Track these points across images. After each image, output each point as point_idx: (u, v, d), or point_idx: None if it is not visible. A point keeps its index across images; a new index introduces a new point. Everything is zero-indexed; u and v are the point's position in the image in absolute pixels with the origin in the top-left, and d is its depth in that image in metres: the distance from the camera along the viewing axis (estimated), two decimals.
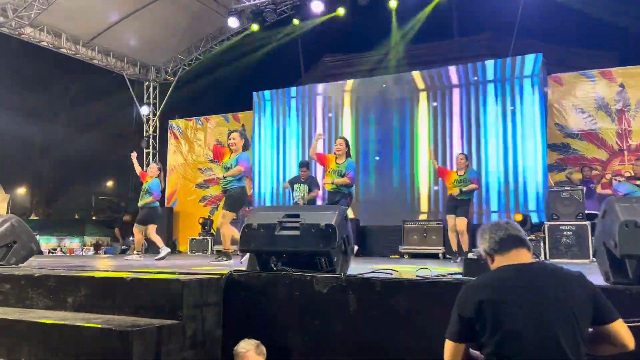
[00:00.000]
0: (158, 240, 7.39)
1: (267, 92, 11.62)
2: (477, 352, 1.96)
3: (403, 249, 8.89)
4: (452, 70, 9.68)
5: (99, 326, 2.95)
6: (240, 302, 3.50)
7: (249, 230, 3.51)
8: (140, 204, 7.54)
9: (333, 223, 3.34)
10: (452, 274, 3.08)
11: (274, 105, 11.51)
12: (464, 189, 7.21)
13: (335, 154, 6.57)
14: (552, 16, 9.55)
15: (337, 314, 3.20)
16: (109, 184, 30.80)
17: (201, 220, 11.38)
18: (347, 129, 10.57)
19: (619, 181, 7.78)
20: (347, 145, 6.59)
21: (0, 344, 3.23)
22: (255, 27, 11.61)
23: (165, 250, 7.25)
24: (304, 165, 8.70)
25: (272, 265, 3.44)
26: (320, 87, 11.00)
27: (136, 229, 7.48)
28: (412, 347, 2.98)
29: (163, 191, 13.71)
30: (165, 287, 3.26)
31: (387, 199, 9.73)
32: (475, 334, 1.89)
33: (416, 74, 9.98)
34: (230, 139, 5.99)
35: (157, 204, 7.66)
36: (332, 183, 6.45)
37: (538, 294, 1.82)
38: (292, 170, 10.72)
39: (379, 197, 9.81)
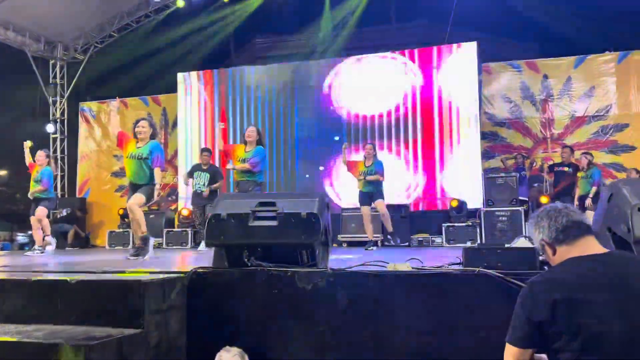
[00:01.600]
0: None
1: (193, 74, 10.90)
2: (543, 356, 1.72)
3: (341, 237, 8.72)
4: (386, 56, 9.60)
5: (44, 341, 2.41)
6: (207, 304, 3.07)
7: (218, 221, 3.07)
8: (31, 195, 7.13)
9: (315, 211, 3.00)
10: (451, 264, 2.86)
11: (202, 87, 10.83)
12: (368, 177, 7.14)
13: (246, 141, 6.38)
14: (482, 6, 9.74)
15: (325, 313, 2.88)
16: (1, 173, 28.07)
17: (121, 212, 10.48)
18: (280, 114, 10.18)
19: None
20: (259, 133, 6.37)
21: None
22: (180, 2, 10.79)
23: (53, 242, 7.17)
24: (206, 150, 8.45)
25: (246, 260, 3.03)
26: (252, 69, 10.48)
27: (35, 222, 6.98)
28: (412, 344, 2.73)
29: (69, 180, 12.61)
30: (121, 289, 2.75)
31: (323, 189, 9.50)
32: (546, 338, 1.63)
33: (351, 60, 9.80)
34: (139, 127, 5.61)
35: (53, 194, 7.43)
36: (234, 168, 6.36)
37: (624, 290, 1.59)
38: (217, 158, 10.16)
39: (315, 187, 9.55)
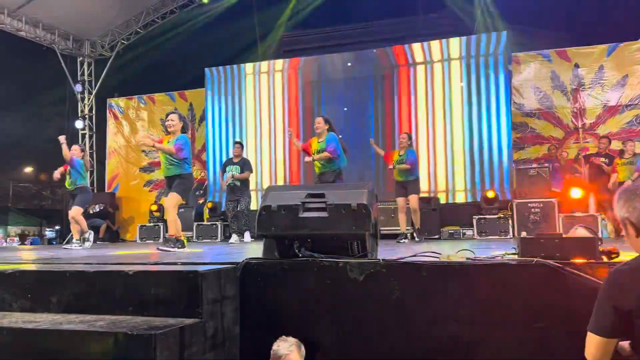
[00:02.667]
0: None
1: (220, 69, 10.96)
2: (625, 344, 1.70)
3: None
4: (417, 47, 9.52)
5: (108, 330, 2.46)
6: (258, 294, 3.10)
7: (268, 213, 3.09)
8: (72, 187, 7.24)
9: (365, 202, 3.01)
10: (508, 254, 2.85)
11: (228, 82, 10.89)
12: (398, 166, 7.15)
13: (317, 133, 6.42)
14: None
15: (377, 304, 2.89)
16: (28, 170, 28.59)
17: (155, 207, 10.65)
18: (305, 108, 10.19)
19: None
20: (327, 122, 6.36)
21: None
22: None
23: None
24: (238, 142, 8.56)
25: (297, 251, 3.05)
26: (278, 64, 10.50)
27: (78, 214, 7.09)
28: (466, 336, 2.73)
29: (98, 176, 12.80)
30: (178, 280, 2.79)
31: (351, 181, 9.49)
32: (634, 327, 1.60)
33: (380, 52, 9.74)
34: (168, 120, 5.64)
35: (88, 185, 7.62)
36: (315, 161, 6.29)
37: None
38: (250, 152, 10.23)
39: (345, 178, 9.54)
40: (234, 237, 8.18)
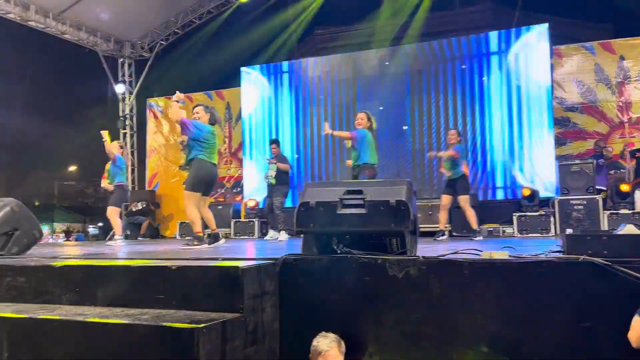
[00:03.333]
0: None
1: (256, 67, 11.07)
2: None
3: None
4: (454, 42, 9.37)
5: (154, 324, 2.53)
6: (297, 290, 3.12)
7: (307, 210, 3.11)
8: (114, 184, 7.26)
9: (404, 199, 2.99)
10: (553, 252, 2.78)
11: (264, 80, 10.98)
12: (439, 153, 7.19)
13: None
14: None
15: (417, 301, 2.87)
16: (73, 169, 29.55)
17: None
18: (342, 105, 10.18)
19: None
20: (369, 118, 6.35)
21: (28, 347, 2.77)
22: None
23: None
24: (274, 142, 8.56)
25: (335, 247, 3.06)
26: (313, 61, 10.52)
27: (112, 214, 7.16)
28: (509, 335, 2.68)
29: (139, 174, 13.13)
30: (220, 275, 2.84)
31: (388, 177, 9.43)
32: None
33: (415, 47, 9.63)
34: (194, 114, 5.56)
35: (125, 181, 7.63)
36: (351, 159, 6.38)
37: None
38: (286, 150, 10.28)
39: (380, 175, 9.49)
40: (271, 233, 8.29)
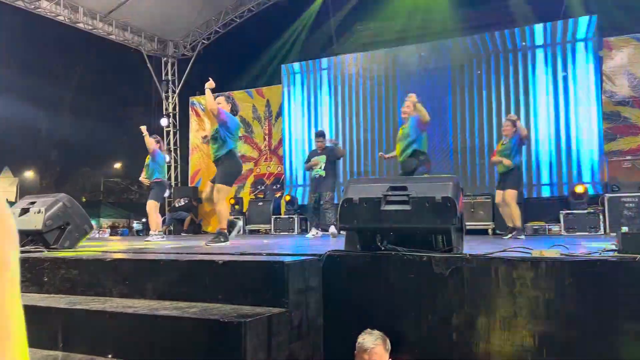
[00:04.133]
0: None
1: (296, 65, 11.12)
2: None
3: None
4: (497, 35, 9.15)
5: (202, 317, 2.57)
6: (341, 286, 3.12)
7: (350, 206, 3.10)
8: (152, 180, 7.23)
9: (450, 195, 2.93)
10: (606, 251, 2.68)
11: (305, 77, 11.02)
12: (500, 159, 6.48)
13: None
14: None
15: (463, 300, 2.82)
16: (118, 166, 30.43)
17: (233, 201, 11.02)
18: (381, 101, 10.10)
19: None
20: (414, 106, 6.00)
21: (81, 337, 2.87)
22: None
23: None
24: (320, 135, 8.09)
25: (379, 244, 3.04)
26: (354, 57, 10.49)
27: (152, 208, 7.16)
28: (560, 336, 2.60)
29: (181, 171, 13.42)
30: (266, 270, 2.87)
31: (430, 174, 9.31)
32: None
33: (457, 41, 9.45)
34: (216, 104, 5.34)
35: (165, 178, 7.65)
36: (403, 151, 5.95)
37: None
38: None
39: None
40: (313, 231, 7.85)
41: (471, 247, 3.56)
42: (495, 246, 3.95)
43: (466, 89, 9.37)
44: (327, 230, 7.67)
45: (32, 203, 4.41)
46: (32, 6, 10.36)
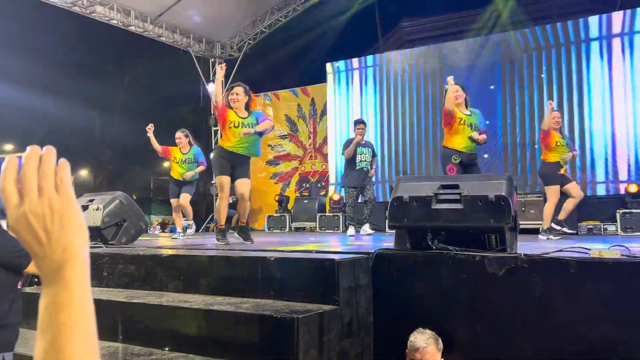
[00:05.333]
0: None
1: (341, 62, 11.12)
2: None
3: None
4: (550, 29, 8.85)
5: (255, 312, 2.63)
6: (390, 285, 3.11)
7: (400, 204, 3.09)
8: (187, 176, 6.96)
9: (504, 194, 2.87)
10: None
11: (350, 75, 11.01)
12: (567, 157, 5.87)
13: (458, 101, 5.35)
14: None
15: (518, 300, 2.76)
16: (166, 164, 31.30)
17: (277, 198, 11.15)
18: (427, 98, 9.97)
19: None
20: (465, 91, 5.49)
21: (139, 330, 2.98)
22: None
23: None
24: (361, 122, 7.21)
25: (430, 243, 3.01)
26: (399, 54, 10.39)
27: (179, 205, 7.09)
28: (622, 339, 2.50)
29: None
30: (317, 267, 2.90)
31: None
32: None
33: (508, 35, 9.20)
34: (232, 94, 4.95)
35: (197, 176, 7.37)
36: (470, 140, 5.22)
37: None
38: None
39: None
40: (351, 230, 7.03)
41: (525, 246, 3.48)
42: (549, 246, 3.84)
43: (516, 84, 9.11)
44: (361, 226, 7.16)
45: (91, 200, 4.60)
46: (88, 11, 10.78)
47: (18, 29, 20.53)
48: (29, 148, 0.61)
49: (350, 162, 6.98)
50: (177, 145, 7.20)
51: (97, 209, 4.36)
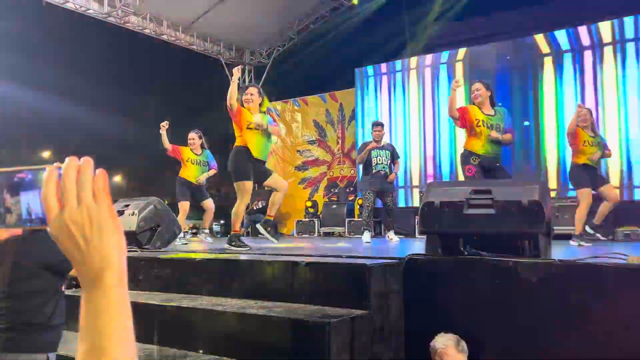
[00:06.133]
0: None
1: (369, 68, 11.13)
2: None
3: None
4: (583, 30, 8.68)
5: (288, 317, 2.66)
6: (422, 291, 3.10)
7: (431, 209, 3.08)
8: (201, 180, 6.86)
9: (538, 199, 2.84)
10: None
11: (378, 80, 11.01)
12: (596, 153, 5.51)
13: (474, 103, 5.08)
14: None
15: (552, 307, 2.72)
16: None
17: (309, 204, 11.22)
18: (460, 101, 9.87)
19: None
20: (489, 88, 5.13)
21: (174, 332, 3.05)
22: (355, 0, 11.12)
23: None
24: (379, 124, 6.92)
25: (462, 249, 3.00)
26: (428, 58, 10.33)
27: (187, 209, 6.93)
28: None
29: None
30: (348, 272, 2.92)
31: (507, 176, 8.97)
32: None
33: (539, 38, 9.06)
34: (246, 94, 4.87)
35: None
36: (491, 142, 4.87)
37: None
38: (399, 149, 10.21)
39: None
40: (367, 236, 6.56)
41: (559, 252, 3.42)
42: (584, 252, 3.78)
43: (548, 86, 8.94)
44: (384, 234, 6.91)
45: (126, 206, 4.72)
46: (122, 21, 11.07)
47: (55, 40, 21.24)
48: (67, 159, 0.63)
49: (367, 165, 6.72)
50: (188, 146, 7.03)
51: (133, 214, 4.47)
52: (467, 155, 5.05)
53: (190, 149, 7.00)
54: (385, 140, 7.11)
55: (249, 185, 4.87)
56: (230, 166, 4.83)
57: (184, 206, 6.89)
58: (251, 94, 4.88)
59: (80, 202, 0.61)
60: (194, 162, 6.91)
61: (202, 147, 7.07)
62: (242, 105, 4.85)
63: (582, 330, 2.65)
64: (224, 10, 11.98)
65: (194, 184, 6.88)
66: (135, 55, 21.25)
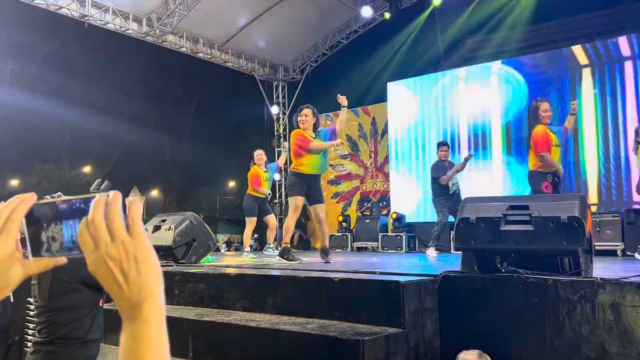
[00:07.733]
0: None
1: (402, 81, 11.11)
2: None
3: None
4: (623, 40, 8.45)
5: (320, 333, 2.64)
6: (457, 308, 3.04)
7: (467, 225, 3.03)
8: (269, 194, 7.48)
9: (578, 214, 2.76)
10: None
11: (410, 93, 10.96)
12: None
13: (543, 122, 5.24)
14: None
15: (594, 327, 2.62)
16: (232, 184, 32.21)
17: (341, 219, 11.19)
18: (495, 116, 9.73)
19: None
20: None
21: (208, 347, 3.07)
22: (387, 15, 11.15)
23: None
24: (444, 144, 7.26)
25: (499, 265, 2.93)
26: (463, 71, 10.24)
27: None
28: None
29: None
30: (382, 289, 2.89)
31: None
32: None
33: (576, 48, 8.87)
34: (301, 115, 5.21)
35: None
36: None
37: None
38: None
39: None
40: (433, 251, 6.68)
41: (601, 270, 3.30)
42: (628, 269, 3.64)
43: (586, 98, 8.72)
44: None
45: (163, 221, 4.82)
46: (160, 40, 11.39)
47: (95, 58, 22.02)
48: (97, 195, 0.64)
49: (443, 186, 6.77)
50: (256, 164, 7.53)
51: (169, 229, 4.56)
52: (540, 176, 5.19)
53: (258, 167, 7.53)
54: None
55: (299, 200, 5.20)
56: (289, 183, 5.36)
57: (253, 222, 7.50)
58: (305, 115, 5.21)
59: (114, 237, 0.62)
60: (265, 179, 7.51)
61: (266, 164, 7.65)
62: (298, 126, 5.23)
63: (626, 353, 2.54)
64: (258, 28, 12.20)
65: (259, 198, 7.43)
66: (172, 72, 21.86)
